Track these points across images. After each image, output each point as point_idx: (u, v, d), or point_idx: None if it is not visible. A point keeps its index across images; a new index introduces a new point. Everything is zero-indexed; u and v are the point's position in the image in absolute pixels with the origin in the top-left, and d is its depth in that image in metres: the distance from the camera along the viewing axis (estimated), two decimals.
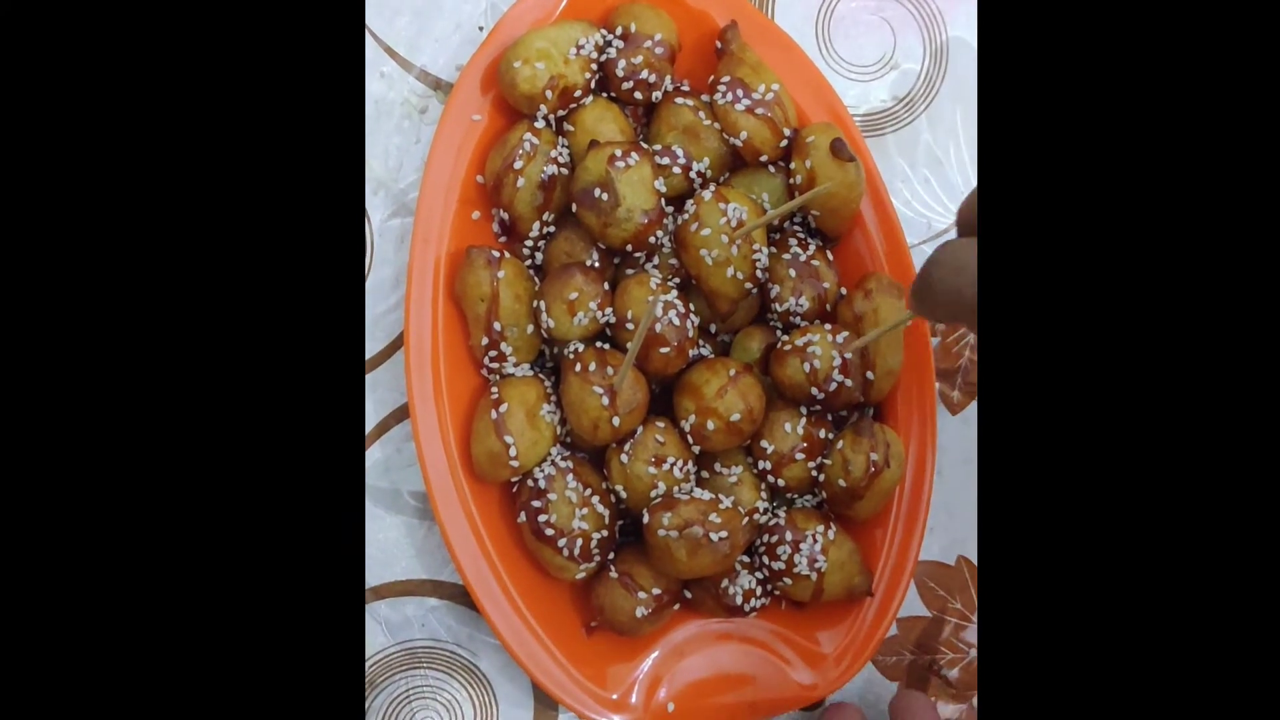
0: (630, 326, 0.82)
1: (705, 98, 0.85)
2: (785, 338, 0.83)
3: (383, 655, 0.87)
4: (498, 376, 0.83)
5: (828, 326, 0.82)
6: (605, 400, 0.80)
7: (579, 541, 0.81)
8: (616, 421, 0.80)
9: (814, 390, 0.82)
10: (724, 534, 0.79)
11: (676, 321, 0.82)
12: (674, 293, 0.83)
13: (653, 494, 0.80)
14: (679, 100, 0.84)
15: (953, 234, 0.91)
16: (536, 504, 0.80)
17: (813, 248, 0.87)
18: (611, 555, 0.83)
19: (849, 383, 0.82)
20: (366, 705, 0.86)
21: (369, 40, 0.86)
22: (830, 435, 0.86)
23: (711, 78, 0.84)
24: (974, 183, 0.94)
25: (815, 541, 0.82)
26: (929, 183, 0.93)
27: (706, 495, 0.81)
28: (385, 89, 0.86)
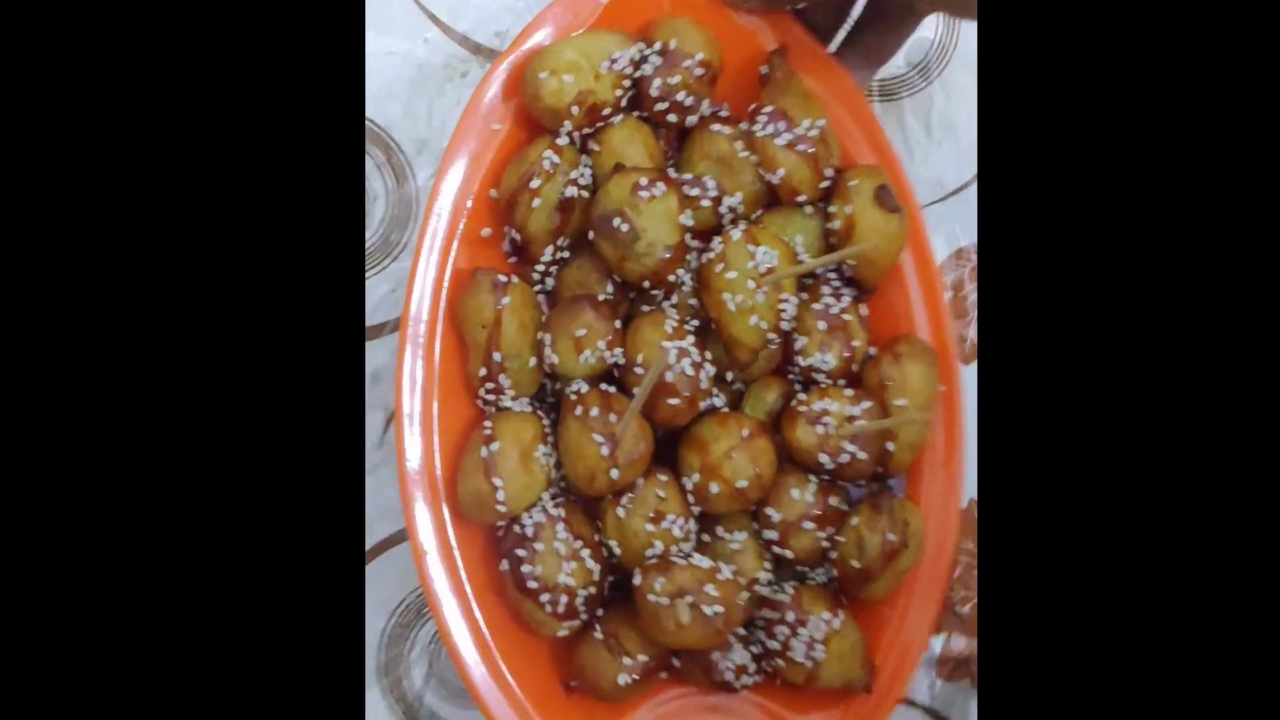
0: (640, 370, 0.75)
1: (744, 126, 0.80)
2: (801, 397, 0.78)
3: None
4: (494, 409, 0.77)
5: (849, 391, 0.77)
6: (605, 450, 0.73)
7: (564, 598, 0.74)
8: (615, 474, 0.73)
9: (824, 458, 0.76)
10: (719, 608, 0.73)
11: (689, 371, 0.75)
12: (690, 338, 0.76)
13: (648, 553, 0.74)
14: (715, 128, 0.79)
15: (963, 194, 0.96)
16: (521, 553, 0.74)
17: (846, 299, 0.81)
18: (599, 612, 0.77)
19: (862, 455, 0.76)
20: (414, 634, 0.85)
21: (414, 7, 0.85)
22: (844, 505, 0.79)
23: (753, 106, 0.79)
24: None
25: (818, 629, 0.76)
26: (941, 146, 0.96)
27: (706, 562, 0.74)
28: (428, 54, 0.85)
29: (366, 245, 0.84)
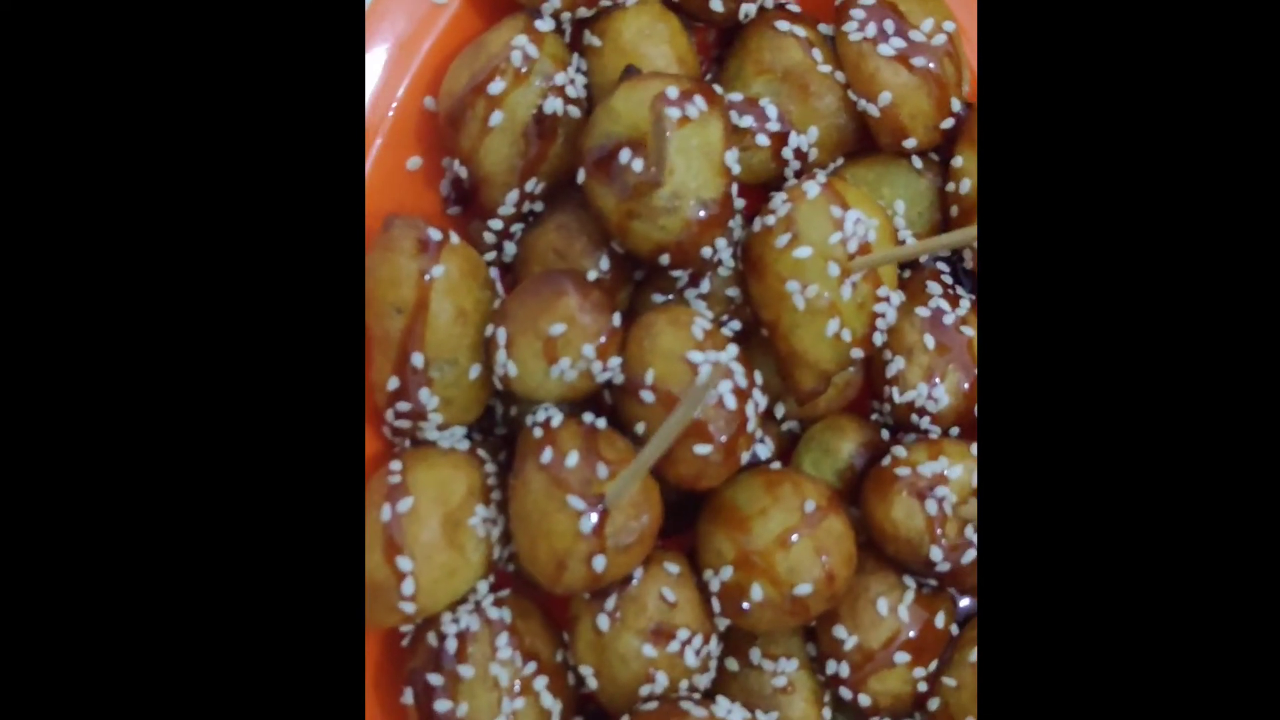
0: (648, 396, 0.51)
1: (826, 28, 0.61)
2: (899, 452, 0.55)
3: None
4: (408, 443, 0.57)
5: (975, 446, 0.57)
6: (586, 523, 0.49)
7: None
8: (600, 563, 0.50)
9: (935, 553, 0.53)
10: None
11: (731, 402, 0.51)
12: (731, 350, 0.52)
13: (643, 690, 0.53)
14: (781, 25, 0.60)
15: None
16: (436, 680, 0.52)
17: (965, 303, 0.58)
18: None
19: None
20: None
21: None
22: (954, 625, 0.56)
23: None
24: None
25: None
26: None
27: (737, 713, 0.52)
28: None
29: None
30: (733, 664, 0.56)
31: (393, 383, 0.53)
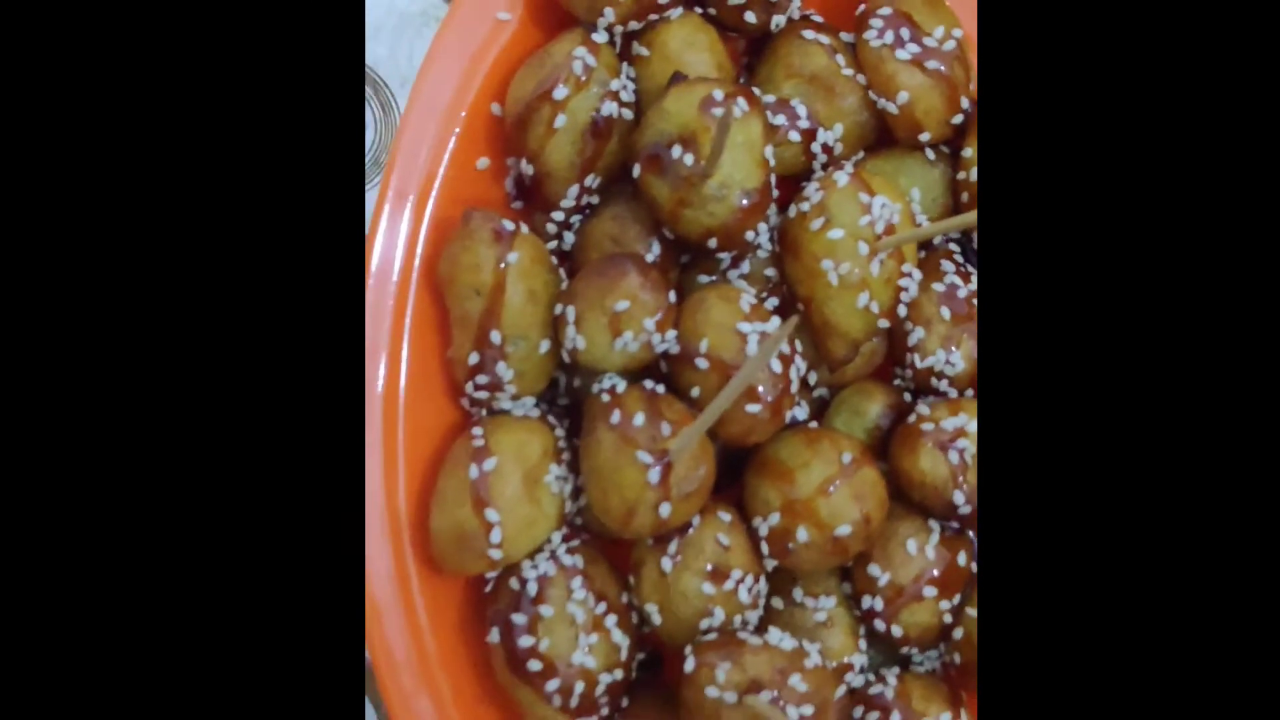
0: (703, 364, 0.55)
1: (847, 36, 0.63)
2: (924, 411, 0.59)
3: None
4: (484, 412, 0.59)
5: None
6: (653, 475, 0.53)
7: (579, 684, 0.55)
8: (666, 510, 0.53)
9: (958, 497, 0.57)
10: (809, 709, 0.52)
11: (777, 368, 0.55)
12: (776, 321, 0.57)
13: (703, 624, 0.56)
14: (808, 34, 0.62)
15: None
16: (520, 619, 0.55)
17: (975, 280, 0.61)
18: (624, 701, 0.58)
19: None
20: None
21: None
22: (974, 563, 0.59)
23: (862, 7, 0.63)
24: None
25: None
26: None
27: (787, 641, 0.55)
28: (408, 3, 0.80)
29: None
30: (778, 602, 0.59)
31: (473, 358, 0.56)
